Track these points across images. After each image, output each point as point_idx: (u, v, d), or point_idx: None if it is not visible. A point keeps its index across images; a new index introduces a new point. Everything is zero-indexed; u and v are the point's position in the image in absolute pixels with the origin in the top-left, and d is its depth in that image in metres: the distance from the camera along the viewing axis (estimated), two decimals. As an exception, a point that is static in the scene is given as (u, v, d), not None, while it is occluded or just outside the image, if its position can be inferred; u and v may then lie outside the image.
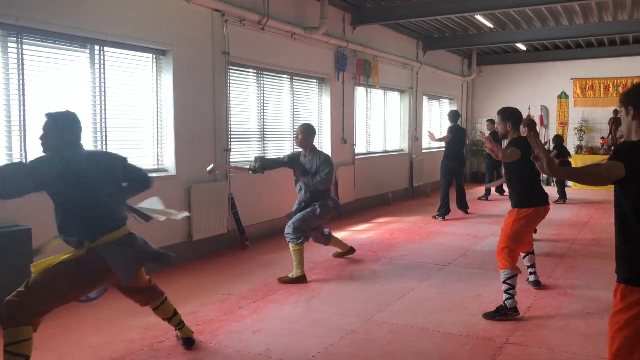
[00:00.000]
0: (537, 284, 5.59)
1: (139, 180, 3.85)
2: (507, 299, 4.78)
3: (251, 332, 4.43)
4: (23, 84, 5.13)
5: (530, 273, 5.64)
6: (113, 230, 3.58)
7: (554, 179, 12.57)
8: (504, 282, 4.83)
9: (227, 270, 6.36)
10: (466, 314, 4.87)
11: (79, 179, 3.49)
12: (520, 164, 4.91)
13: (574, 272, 6.22)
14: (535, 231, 7.67)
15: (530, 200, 4.99)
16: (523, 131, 5.57)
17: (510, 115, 5.10)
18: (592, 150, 14.73)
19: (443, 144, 10.64)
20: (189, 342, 4.12)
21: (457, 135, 10.27)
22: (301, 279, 5.83)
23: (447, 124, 10.65)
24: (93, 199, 3.54)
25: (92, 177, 3.54)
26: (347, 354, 4.02)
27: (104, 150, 3.66)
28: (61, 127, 3.59)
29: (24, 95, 5.14)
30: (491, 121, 12.52)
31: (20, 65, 5.11)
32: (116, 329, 4.26)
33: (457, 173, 10.35)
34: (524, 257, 5.60)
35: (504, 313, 4.74)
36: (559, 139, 12.21)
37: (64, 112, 3.67)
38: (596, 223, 9.35)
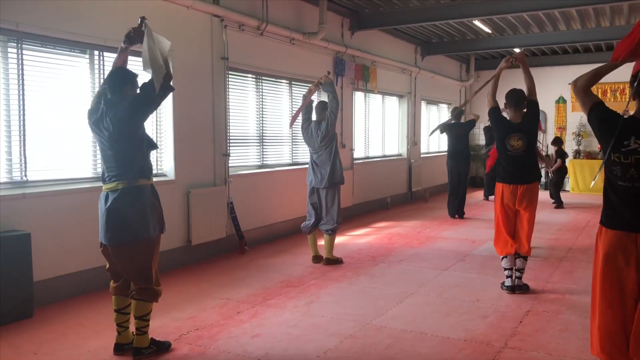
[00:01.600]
0: (511, 289, 5.59)
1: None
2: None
3: (250, 337, 4.43)
4: (23, 89, 5.15)
5: (517, 277, 5.61)
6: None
7: (549, 182, 12.73)
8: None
9: (225, 275, 6.37)
10: (465, 318, 4.88)
11: None
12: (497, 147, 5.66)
13: (572, 276, 6.23)
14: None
15: (498, 177, 5.62)
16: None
17: (508, 94, 5.58)
18: (590, 155, 14.77)
19: (446, 146, 10.68)
20: (135, 351, 4.03)
21: (460, 132, 10.35)
22: None
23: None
24: None
25: None
26: (346, 359, 4.03)
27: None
28: None
29: (23, 100, 5.15)
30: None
31: (20, 71, 5.13)
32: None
33: (460, 173, 10.39)
34: (516, 259, 5.60)
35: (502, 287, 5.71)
36: (558, 142, 12.33)
37: None
38: (594, 228, 9.33)
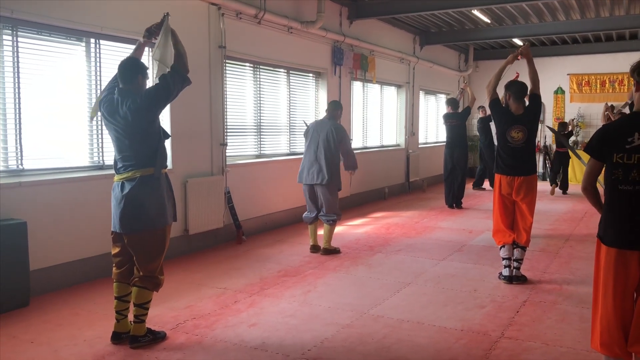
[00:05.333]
0: (508, 279, 5.60)
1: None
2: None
3: (247, 326, 4.43)
4: (18, 77, 5.10)
5: (515, 268, 5.63)
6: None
7: (549, 169, 12.87)
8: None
9: (223, 264, 6.36)
10: (461, 308, 4.88)
11: None
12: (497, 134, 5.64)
13: (569, 267, 6.24)
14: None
15: (496, 168, 5.63)
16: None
17: (511, 86, 5.56)
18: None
19: (445, 137, 10.69)
20: (132, 339, 4.03)
21: (455, 122, 10.35)
22: None
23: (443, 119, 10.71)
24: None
25: None
26: (343, 348, 4.03)
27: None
28: None
29: (19, 88, 5.11)
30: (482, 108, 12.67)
31: (16, 58, 5.08)
32: (111, 323, 4.26)
33: (455, 163, 10.41)
34: (514, 249, 5.61)
35: (499, 277, 5.71)
36: (563, 126, 12.55)
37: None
38: (592, 218, 9.37)
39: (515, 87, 5.52)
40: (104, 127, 5.92)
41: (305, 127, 6.98)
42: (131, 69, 3.99)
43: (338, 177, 6.69)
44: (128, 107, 3.85)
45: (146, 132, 3.93)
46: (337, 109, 6.88)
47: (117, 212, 3.94)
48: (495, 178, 5.62)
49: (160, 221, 3.99)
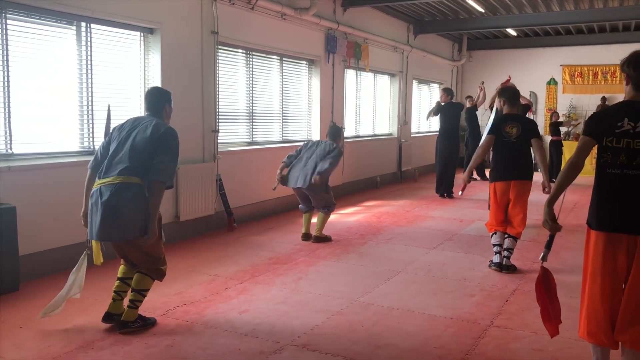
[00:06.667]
0: (499, 266, 5.65)
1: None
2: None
3: (237, 313, 4.44)
4: (7, 61, 5.04)
5: (505, 257, 5.68)
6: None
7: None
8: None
9: (214, 251, 6.36)
10: (451, 297, 4.91)
11: None
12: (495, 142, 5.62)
13: (558, 257, 6.28)
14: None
15: (491, 176, 5.68)
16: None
17: (504, 92, 5.76)
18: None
19: (437, 127, 10.73)
20: (122, 324, 4.01)
21: (452, 112, 10.38)
22: None
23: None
24: None
25: None
26: (333, 335, 4.05)
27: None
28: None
29: (8, 71, 5.05)
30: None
31: (5, 42, 5.01)
32: (101, 309, 4.25)
33: (451, 152, 10.48)
34: (505, 238, 5.68)
35: (489, 265, 5.75)
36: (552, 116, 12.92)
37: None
38: (582, 209, 9.42)
39: (508, 92, 5.73)
40: (94, 112, 5.88)
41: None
42: (159, 97, 4.15)
43: (321, 183, 6.61)
44: (154, 127, 3.92)
45: (149, 154, 3.91)
46: (338, 134, 6.97)
47: (96, 220, 3.84)
48: (490, 187, 5.72)
49: (133, 233, 3.87)
